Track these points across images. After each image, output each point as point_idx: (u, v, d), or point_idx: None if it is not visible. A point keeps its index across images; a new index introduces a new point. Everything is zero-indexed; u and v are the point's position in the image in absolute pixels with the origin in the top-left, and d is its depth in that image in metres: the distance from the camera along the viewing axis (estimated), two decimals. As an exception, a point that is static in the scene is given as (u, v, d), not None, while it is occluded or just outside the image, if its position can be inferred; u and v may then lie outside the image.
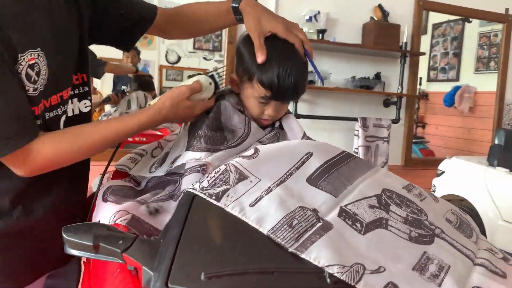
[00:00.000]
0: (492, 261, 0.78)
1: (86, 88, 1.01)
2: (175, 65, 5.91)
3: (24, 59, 0.77)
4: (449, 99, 4.23)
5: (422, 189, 0.92)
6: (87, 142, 0.87)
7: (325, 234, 0.68)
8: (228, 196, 0.72)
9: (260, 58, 0.96)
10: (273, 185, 0.75)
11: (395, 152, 3.16)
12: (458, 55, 4.35)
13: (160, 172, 1.03)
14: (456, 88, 4.16)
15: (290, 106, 1.34)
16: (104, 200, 0.96)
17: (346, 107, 2.99)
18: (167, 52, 5.87)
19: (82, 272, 1.17)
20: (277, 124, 1.08)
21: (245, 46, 1.02)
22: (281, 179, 0.77)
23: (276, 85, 0.95)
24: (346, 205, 0.76)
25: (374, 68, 3.02)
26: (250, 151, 0.82)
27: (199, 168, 0.89)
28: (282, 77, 0.95)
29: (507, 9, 3.42)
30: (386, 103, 3.12)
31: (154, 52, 5.55)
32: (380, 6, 2.94)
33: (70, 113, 0.97)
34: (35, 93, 0.81)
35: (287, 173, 0.79)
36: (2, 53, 0.74)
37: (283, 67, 0.95)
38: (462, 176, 2.56)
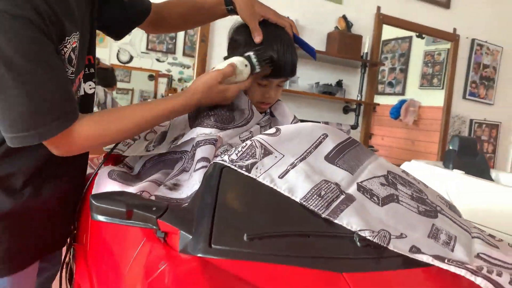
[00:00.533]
0: (485, 235, 0.88)
1: (92, 70, 1.01)
2: (126, 65, 5.77)
3: (69, 42, 0.78)
4: (395, 112, 4.45)
5: (415, 177, 1.01)
6: (125, 123, 0.87)
7: (350, 204, 0.74)
8: (257, 168, 0.76)
9: (258, 38, 1.02)
10: (297, 160, 0.80)
11: (352, 157, 3.30)
12: (404, 71, 4.61)
13: (161, 149, 1.03)
14: (402, 102, 4.37)
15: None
16: (113, 179, 0.96)
17: (309, 111, 3.09)
18: (119, 51, 5.72)
19: (72, 255, 1.15)
20: (267, 111, 1.13)
21: (239, 33, 1.07)
22: (303, 156, 0.82)
23: (277, 60, 1.01)
24: (361, 182, 0.82)
25: (336, 76, 3.15)
26: (272, 130, 0.86)
27: (214, 142, 0.92)
28: (281, 53, 1.01)
29: (455, 29, 3.70)
30: (346, 110, 3.26)
31: (105, 50, 5.39)
32: (344, 17, 3.08)
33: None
34: (73, 76, 0.83)
35: (307, 151, 0.84)
36: (52, 37, 0.74)
37: (281, 44, 1.02)
38: (421, 178, 2.71)
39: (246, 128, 1.02)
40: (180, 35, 3.95)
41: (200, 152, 0.91)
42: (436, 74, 4.10)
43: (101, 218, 0.73)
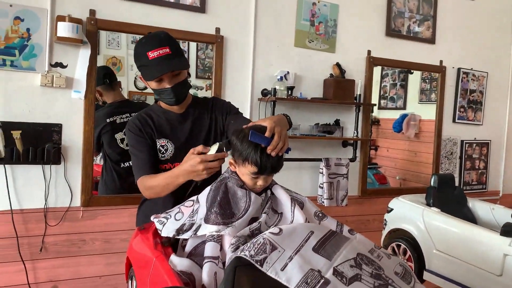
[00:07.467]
0: (420, 296, 1.28)
1: None
2: (143, 91, 6.21)
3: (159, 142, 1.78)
4: (398, 126, 4.73)
5: (380, 251, 1.40)
6: (151, 183, 1.70)
7: (326, 287, 1.14)
8: (267, 263, 1.16)
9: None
10: (293, 253, 1.20)
11: (353, 185, 3.69)
12: (404, 86, 4.93)
13: (185, 235, 1.46)
14: (403, 116, 4.66)
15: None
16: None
17: (311, 149, 3.50)
18: (136, 78, 6.15)
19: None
20: (269, 193, 1.54)
21: (237, 139, 1.48)
22: (297, 249, 1.22)
23: (259, 165, 1.42)
24: (337, 266, 1.21)
25: (334, 116, 3.55)
26: (276, 230, 1.27)
27: (218, 240, 1.34)
28: (262, 158, 1.41)
29: (441, 61, 4.08)
30: (344, 144, 3.65)
31: (123, 78, 5.81)
32: (338, 64, 3.48)
33: None
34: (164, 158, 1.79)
35: (300, 245, 1.24)
36: (146, 138, 1.76)
37: (261, 151, 1.41)
38: (406, 213, 3.13)
39: (248, 215, 1.42)
40: (192, 60, 4.31)
41: (207, 249, 1.33)
42: (434, 90, 4.42)
43: (167, 304, 1.16)
